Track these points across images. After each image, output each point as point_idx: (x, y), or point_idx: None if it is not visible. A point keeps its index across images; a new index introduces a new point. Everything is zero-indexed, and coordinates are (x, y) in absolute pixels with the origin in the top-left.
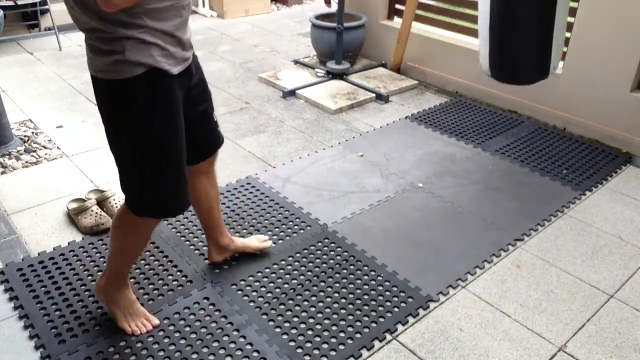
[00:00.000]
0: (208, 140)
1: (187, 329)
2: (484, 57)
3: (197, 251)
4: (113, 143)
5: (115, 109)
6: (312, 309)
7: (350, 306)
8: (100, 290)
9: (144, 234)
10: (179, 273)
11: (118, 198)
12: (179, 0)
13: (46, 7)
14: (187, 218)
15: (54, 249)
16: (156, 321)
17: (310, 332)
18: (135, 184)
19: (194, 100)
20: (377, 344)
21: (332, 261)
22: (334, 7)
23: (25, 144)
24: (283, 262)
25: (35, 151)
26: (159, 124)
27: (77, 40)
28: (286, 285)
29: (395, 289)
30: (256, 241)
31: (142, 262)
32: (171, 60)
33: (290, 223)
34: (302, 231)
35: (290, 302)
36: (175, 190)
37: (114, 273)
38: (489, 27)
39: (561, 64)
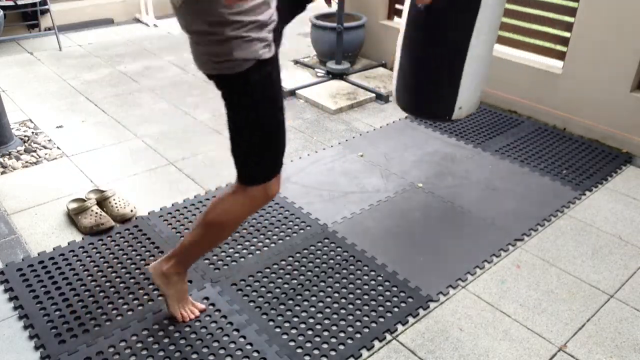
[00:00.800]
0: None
1: (187, 329)
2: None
3: None
4: (238, 128)
5: (234, 97)
6: (312, 309)
7: (350, 306)
8: (159, 274)
9: (243, 216)
10: None
11: (118, 198)
12: None
13: (46, 7)
14: (186, 218)
15: (53, 249)
16: (202, 306)
17: (310, 332)
18: (261, 157)
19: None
20: (377, 344)
21: (332, 261)
22: (334, 7)
23: (25, 144)
24: (283, 262)
25: (35, 151)
26: (272, 102)
27: (77, 40)
28: (286, 285)
29: (395, 289)
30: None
31: (142, 262)
32: (269, 47)
33: (290, 223)
34: (302, 231)
35: (290, 302)
36: (282, 155)
37: (186, 259)
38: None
39: (561, 64)
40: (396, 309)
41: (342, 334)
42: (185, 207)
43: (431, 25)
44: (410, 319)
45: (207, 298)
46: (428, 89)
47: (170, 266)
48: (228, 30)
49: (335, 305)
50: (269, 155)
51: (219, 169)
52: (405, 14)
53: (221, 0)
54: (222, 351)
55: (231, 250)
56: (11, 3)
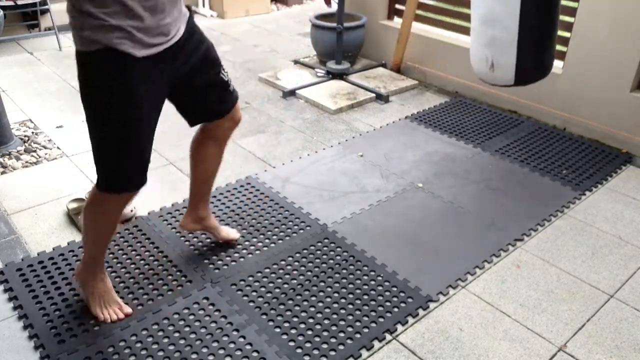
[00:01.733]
0: (218, 101)
1: (187, 329)
2: (508, 67)
3: (196, 251)
4: (88, 115)
5: (81, 81)
6: (312, 309)
7: (350, 306)
8: (77, 275)
9: (111, 216)
10: (178, 273)
11: None
12: None
13: (46, 7)
14: None
15: (53, 249)
16: (128, 310)
17: (310, 332)
18: (99, 160)
19: (192, 71)
20: (376, 344)
21: (331, 261)
22: (334, 7)
23: (25, 144)
24: (283, 262)
25: (35, 151)
26: (116, 103)
27: None
28: (286, 285)
29: (395, 289)
30: (226, 232)
31: (142, 262)
32: (133, 43)
33: (290, 223)
34: (302, 231)
35: (290, 302)
36: (132, 170)
37: (89, 259)
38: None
39: (561, 64)
40: (396, 309)
41: (342, 334)
42: (185, 207)
43: None
44: (410, 319)
45: (207, 298)
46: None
47: (81, 266)
48: (85, 3)
49: (335, 305)
50: (109, 161)
51: (218, 169)
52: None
53: None
54: (222, 351)
55: (231, 250)
56: (11, 3)
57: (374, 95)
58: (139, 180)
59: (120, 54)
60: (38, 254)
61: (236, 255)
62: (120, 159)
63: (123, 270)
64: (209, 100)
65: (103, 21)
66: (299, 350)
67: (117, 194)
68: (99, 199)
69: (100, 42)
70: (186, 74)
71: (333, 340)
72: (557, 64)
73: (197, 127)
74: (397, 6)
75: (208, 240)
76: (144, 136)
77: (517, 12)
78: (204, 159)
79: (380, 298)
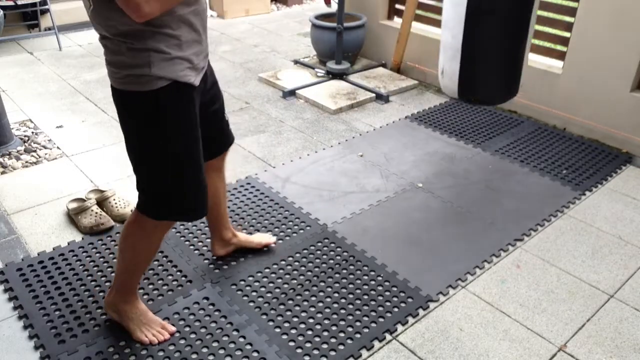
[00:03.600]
0: (220, 138)
1: (187, 329)
2: (451, 76)
3: (196, 251)
4: (135, 150)
5: (139, 118)
6: (312, 309)
7: (350, 306)
8: (109, 306)
9: (156, 242)
10: (178, 273)
11: (118, 198)
12: (199, 4)
13: (46, 7)
14: None
15: (53, 249)
16: (172, 328)
17: (310, 332)
18: (158, 189)
19: (208, 101)
20: (376, 344)
21: (332, 261)
22: (334, 7)
23: (25, 144)
24: (283, 262)
25: (35, 151)
26: (184, 132)
27: (77, 40)
28: (286, 285)
29: (395, 289)
30: (259, 238)
31: None
32: (194, 71)
33: (290, 223)
34: (301, 231)
35: (290, 302)
36: (197, 196)
37: (123, 287)
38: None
39: (561, 64)
40: (396, 309)
41: (342, 334)
42: None
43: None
44: (410, 319)
45: (207, 298)
46: (499, 75)
47: (113, 297)
48: (148, 41)
49: (335, 305)
50: (172, 194)
51: None
52: (458, 15)
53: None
54: (222, 351)
55: None
56: (11, 3)
57: (374, 95)
58: (205, 207)
59: (184, 85)
60: (38, 254)
61: (236, 255)
62: (187, 185)
63: None
64: (218, 131)
65: (167, 54)
66: (299, 350)
67: (176, 220)
68: (150, 225)
69: (166, 78)
70: (205, 104)
71: (333, 340)
72: (557, 64)
73: None
74: (397, 6)
75: (208, 240)
76: (202, 161)
77: (463, 20)
78: (212, 191)
79: (380, 298)
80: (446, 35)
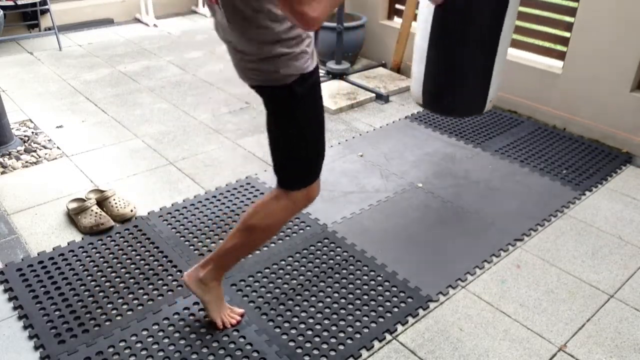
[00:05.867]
0: None
1: (187, 329)
2: (418, 82)
3: (196, 251)
4: (282, 137)
5: (279, 108)
6: (312, 309)
7: (350, 306)
8: (197, 282)
9: (288, 218)
10: (178, 273)
11: (118, 198)
12: None
13: (46, 7)
14: (186, 218)
15: (53, 249)
16: (241, 310)
17: (310, 332)
18: (304, 162)
19: None
20: (376, 344)
21: (331, 261)
22: None
23: (25, 144)
24: (283, 262)
25: (35, 151)
26: (315, 111)
27: (77, 40)
28: (286, 286)
29: (394, 289)
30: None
31: (142, 262)
32: (312, 58)
33: (290, 223)
34: (301, 231)
35: (290, 302)
36: (323, 159)
37: (226, 265)
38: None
39: (561, 64)
40: (396, 309)
41: (341, 334)
42: (185, 207)
43: (463, 25)
44: (410, 319)
45: None
46: (464, 88)
47: (207, 272)
48: (277, 47)
49: (335, 305)
50: (312, 162)
51: (218, 169)
52: (426, 16)
53: (268, 22)
54: (221, 351)
55: None
56: (11, 3)
57: (374, 95)
58: (322, 163)
59: (309, 73)
60: (38, 254)
61: None
62: (320, 150)
63: (123, 270)
64: None
65: (291, 54)
66: (299, 350)
67: (311, 185)
68: (293, 199)
69: (294, 74)
70: None
71: (333, 340)
72: (557, 64)
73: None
74: (397, 6)
75: (208, 240)
76: None
77: (429, 25)
78: None
79: (380, 298)
80: (416, 37)
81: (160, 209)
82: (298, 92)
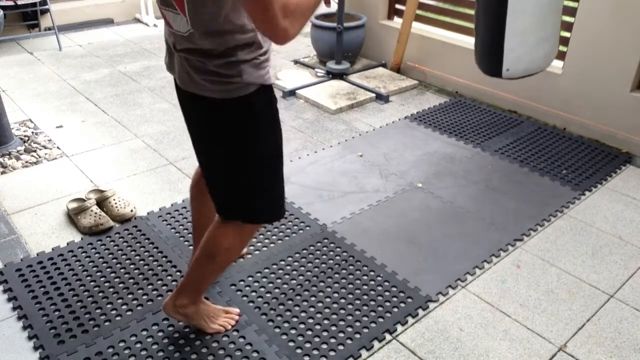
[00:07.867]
0: None
1: (187, 329)
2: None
3: None
4: (225, 160)
5: (229, 125)
6: (312, 309)
7: (350, 306)
8: (174, 310)
9: (244, 245)
10: (178, 273)
11: (118, 198)
12: None
13: (46, 7)
14: (185, 218)
15: (53, 249)
16: (237, 310)
17: (309, 333)
18: (252, 194)
19: None
20: (376, 344)
21: (331, 261)
22: (334, 7)
23: (25, 144)
24: (282, 262)
25: (35, 151)
26: (276, 131)
27: (77, 40)
28: (285, 286)
29: (394, 289)
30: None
31: (141, 262)
32: (270, 73)
33: (290, 223)
34: (301, 231)
35: (290, 302)
36: (283, 193)
37: (196, 291)
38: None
39: (561, 63)
40: (396, 309)
41: (341, 334)
42: (185, 207)
43: None
44: (410, 319)
45: (206, 298)
46: (484, 47)
47: (182, 299)
48: (242, 53)
49: (335, 305)
50: (275, 190)
51: None
52: None
53: (234, 28)
54: (221, 351)
55: None
56: (11, 3)
57: (374, 95)
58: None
59: (269, 87)
60: (38, 254)
61: None
62: (281, 184)
63: (122, 270)
64: None
65: (254, 61)
66: (298, 351)
67: (276, 221)
68: (248, 231)
69: (255, 83)
70: None
71: (333, 340)
72: (557, 64)
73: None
74: (397, 6)
75: None
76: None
77: None
78: (207, 213)
79: (380, 298)
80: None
81: (160, 209)
82: (258, 105)
